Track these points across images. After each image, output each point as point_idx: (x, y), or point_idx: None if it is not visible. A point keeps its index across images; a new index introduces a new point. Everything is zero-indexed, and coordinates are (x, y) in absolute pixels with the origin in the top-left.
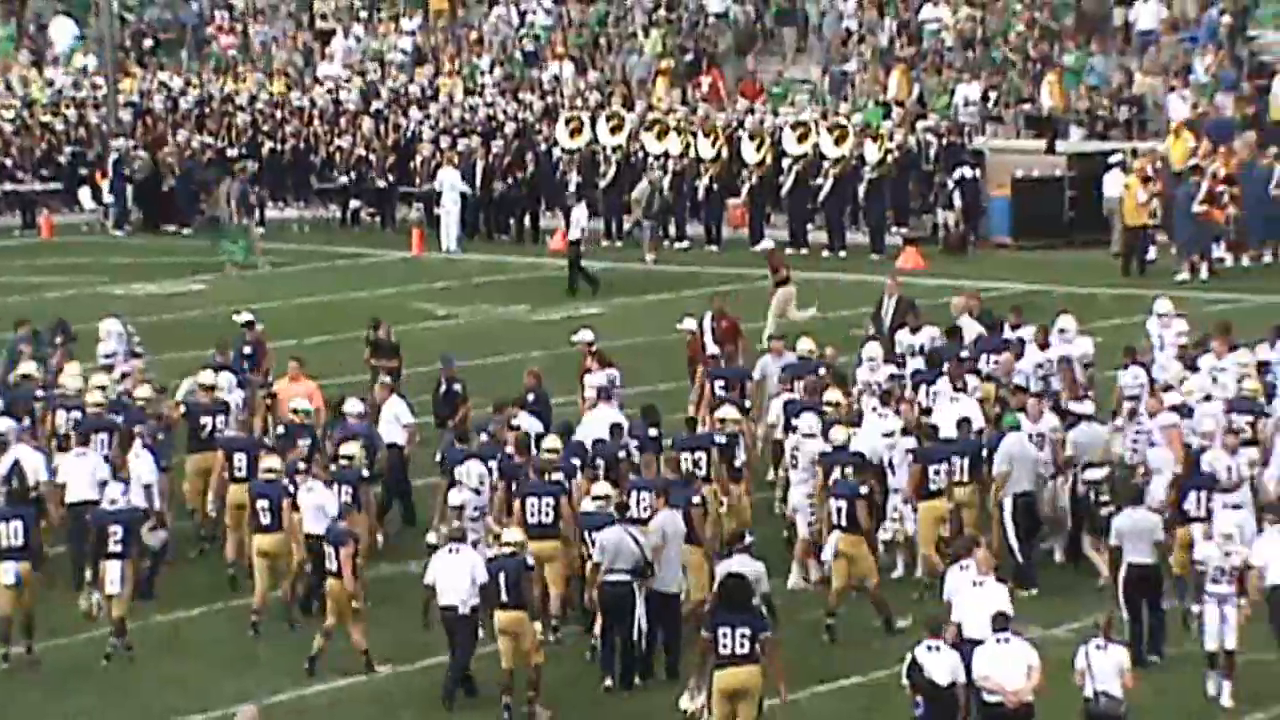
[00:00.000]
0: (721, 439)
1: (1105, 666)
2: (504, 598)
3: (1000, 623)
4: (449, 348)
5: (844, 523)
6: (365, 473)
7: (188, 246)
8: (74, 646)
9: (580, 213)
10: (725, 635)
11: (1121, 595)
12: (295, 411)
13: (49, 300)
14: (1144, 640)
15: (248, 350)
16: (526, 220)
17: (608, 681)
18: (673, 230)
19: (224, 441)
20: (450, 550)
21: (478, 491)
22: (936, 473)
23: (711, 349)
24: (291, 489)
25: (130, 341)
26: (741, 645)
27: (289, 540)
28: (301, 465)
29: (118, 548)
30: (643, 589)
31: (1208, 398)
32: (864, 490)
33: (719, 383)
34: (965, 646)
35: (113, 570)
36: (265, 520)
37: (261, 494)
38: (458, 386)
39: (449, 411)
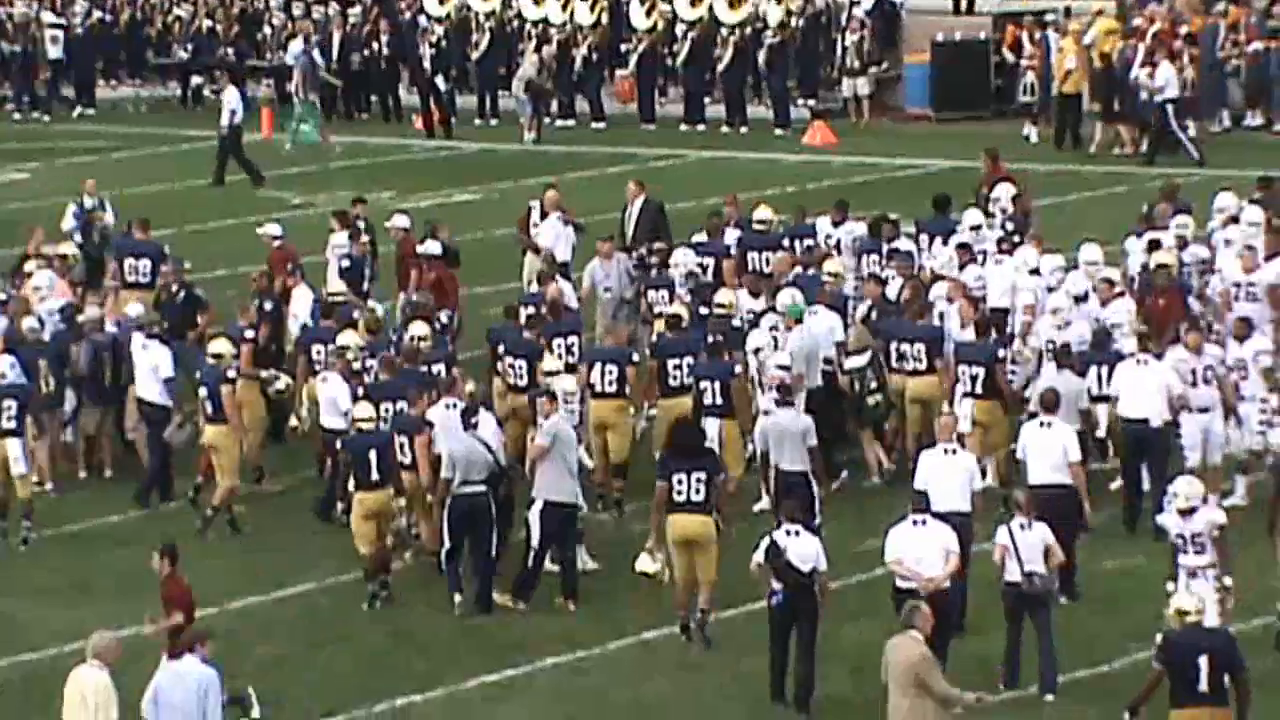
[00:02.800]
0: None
1: (1031, 544)
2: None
3: (918, 503)
4: (305, 239)
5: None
6: None
7: (12, 131)
8: None
9: (231, 94)
10: (680, 482)
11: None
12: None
13: None
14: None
15: None
16: (388, 97)
17: (457, 598)
18: (554, 106)
19: None
20: None
21: None
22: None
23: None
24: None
25: None
26: (696, 491)
27: (390, 497)
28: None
29: (11, 424)
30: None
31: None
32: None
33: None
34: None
35: (13, 448)
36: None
37: (362, 447)
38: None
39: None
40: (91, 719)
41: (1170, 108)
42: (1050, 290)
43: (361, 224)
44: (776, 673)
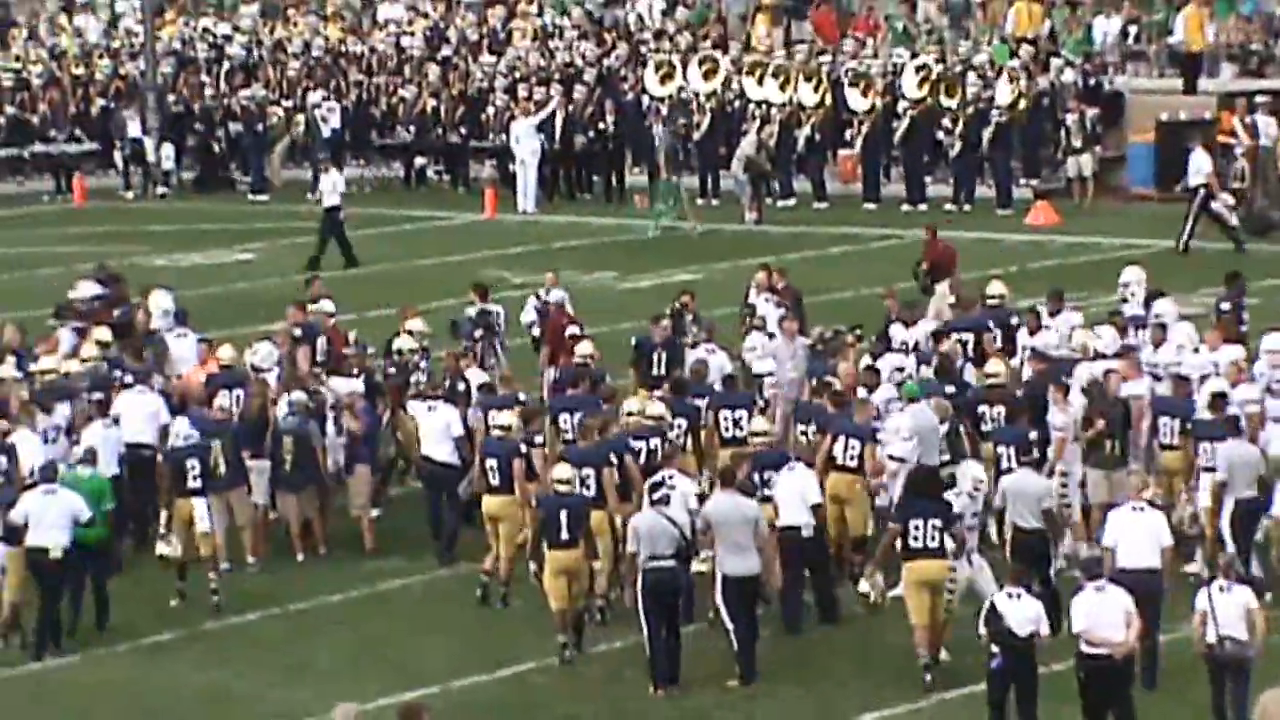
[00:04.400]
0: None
1: (1229, 609)
2: (564, 535)
3: (1094, 569)
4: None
5: None
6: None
7: (235, 212)
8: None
9: (335, 177)
10: (916, 528)
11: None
12: (410, 333)
13: (83, 273)
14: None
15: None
16: (612, 177)
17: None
18: (775, 186)
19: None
20: None
21: None
22: None
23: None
24: (524, 449)
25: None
26: (932, 538)
27: (519, 503)
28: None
29: (196, 483)
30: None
31: None
32: None
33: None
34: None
35: (198, 507)
36: (494, 481)
37: (491, 453)
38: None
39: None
40: None
41: None
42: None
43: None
44: None
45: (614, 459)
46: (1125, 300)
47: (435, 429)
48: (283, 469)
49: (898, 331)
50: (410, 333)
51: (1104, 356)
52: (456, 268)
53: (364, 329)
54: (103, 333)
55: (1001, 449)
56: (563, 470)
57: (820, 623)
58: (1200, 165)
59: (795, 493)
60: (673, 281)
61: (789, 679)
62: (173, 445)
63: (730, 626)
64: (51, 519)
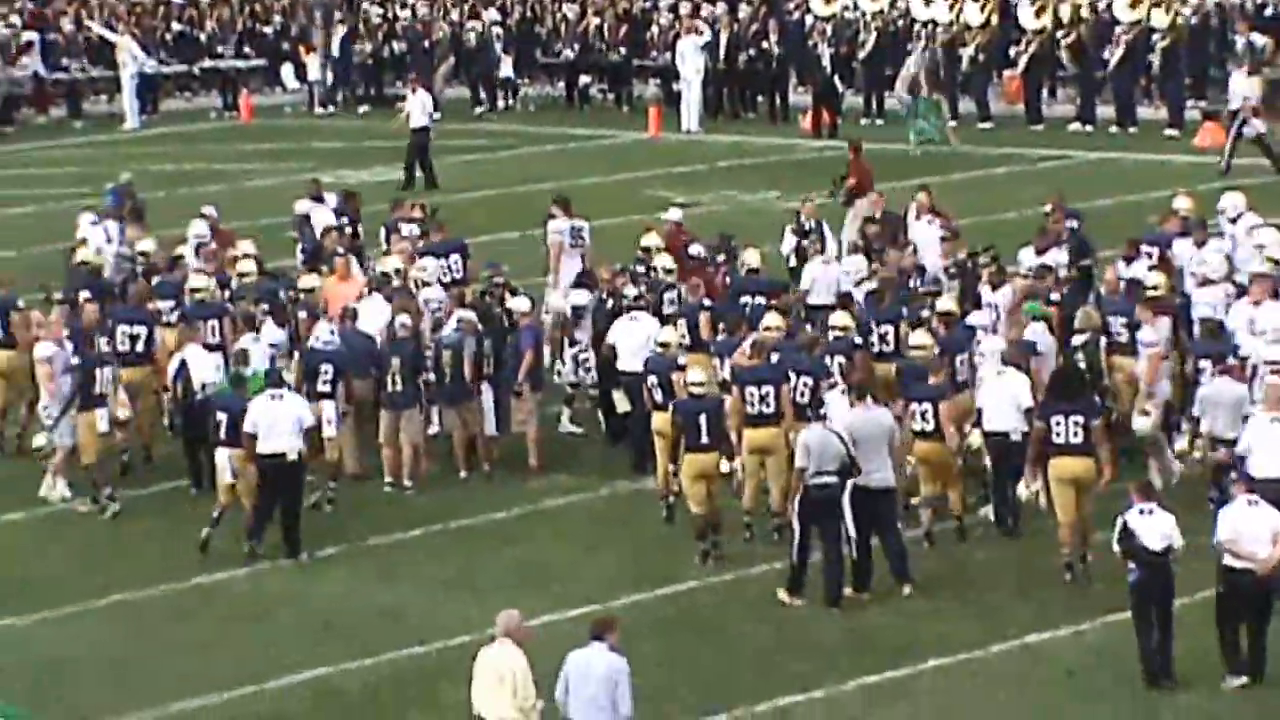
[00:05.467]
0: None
1: None
2: (704, 439)
3: (1247, 483)
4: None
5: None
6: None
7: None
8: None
9: (424, 98)
10: (1059, 425)
11: None
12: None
13: (250, 189)
14: None
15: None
16: (775, 96)
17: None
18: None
19: None
20: None
21: None
22: None
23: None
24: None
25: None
26: (1075, 434)
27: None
28: None
29: (326, 387)
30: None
31: None
32: None
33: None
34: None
35: (327, 410)
36: (703, 439)
37: (693, 411)
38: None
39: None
40: (509, 697)
41: None
42: None
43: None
44: (1146, 652)
45: (791, 376)
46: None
47: (636, 342)
48: (444, 383)
49: (1026, 256)
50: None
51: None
52: (620, 187)
53: (529, 246)
54: (247, 245)
55: (1204, 362)
56: (696, 374)
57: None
58: (1238, 89)
59: (1006, 398)
60: (834, 201)
61: (952, 598)
62: (311, 347)
63: (855, 538)
64: (282, 424)
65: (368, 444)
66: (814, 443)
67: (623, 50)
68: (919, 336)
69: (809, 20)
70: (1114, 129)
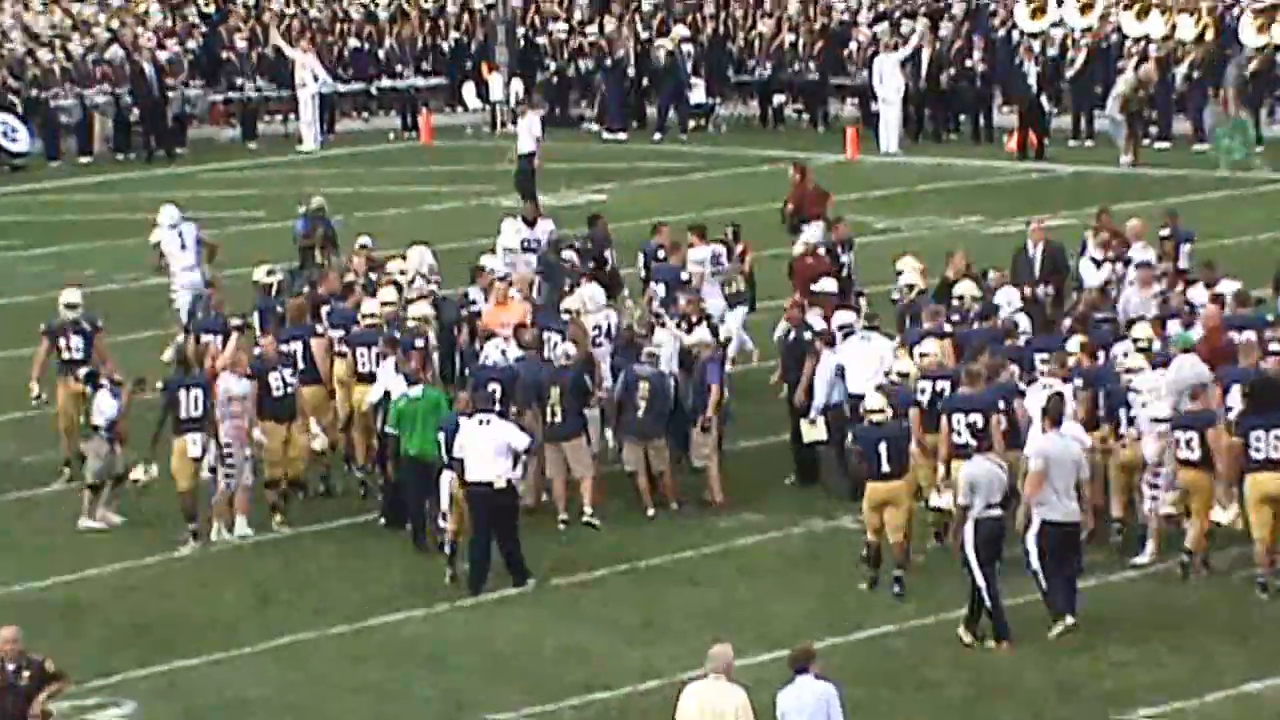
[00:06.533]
0: None
1: None
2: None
3: None
4: (886, 266)
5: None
6: None
7: (584, 150)
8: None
9: (532, 121)
10: (1258, 439)
11: None
12: None
13: (430, 214)
14: None
15: None
16: (979, 116)
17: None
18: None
19: None
20: None
21: None
22: None
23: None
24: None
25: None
26: (1275, 449)
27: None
28: None
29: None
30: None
31: None
32: None
33: None
34: None
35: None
36: (883, 467)
37: (873, 438)
38: None
39: None
40: None
41: None
42: None
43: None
44: None
45: (1002, 404)
46: None
47: (868, 363)
48: (635, 416)
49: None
50: None
51: None
52: None
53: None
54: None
55: None
56: (874, 400)
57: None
58: None
59: None
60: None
61: (1161, 642)
62: (481, 364)
63: (1039, 571)
64: (489, 449)
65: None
66: (980, 476)
67: (819, 68)
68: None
69: (1015, 36)
70: None
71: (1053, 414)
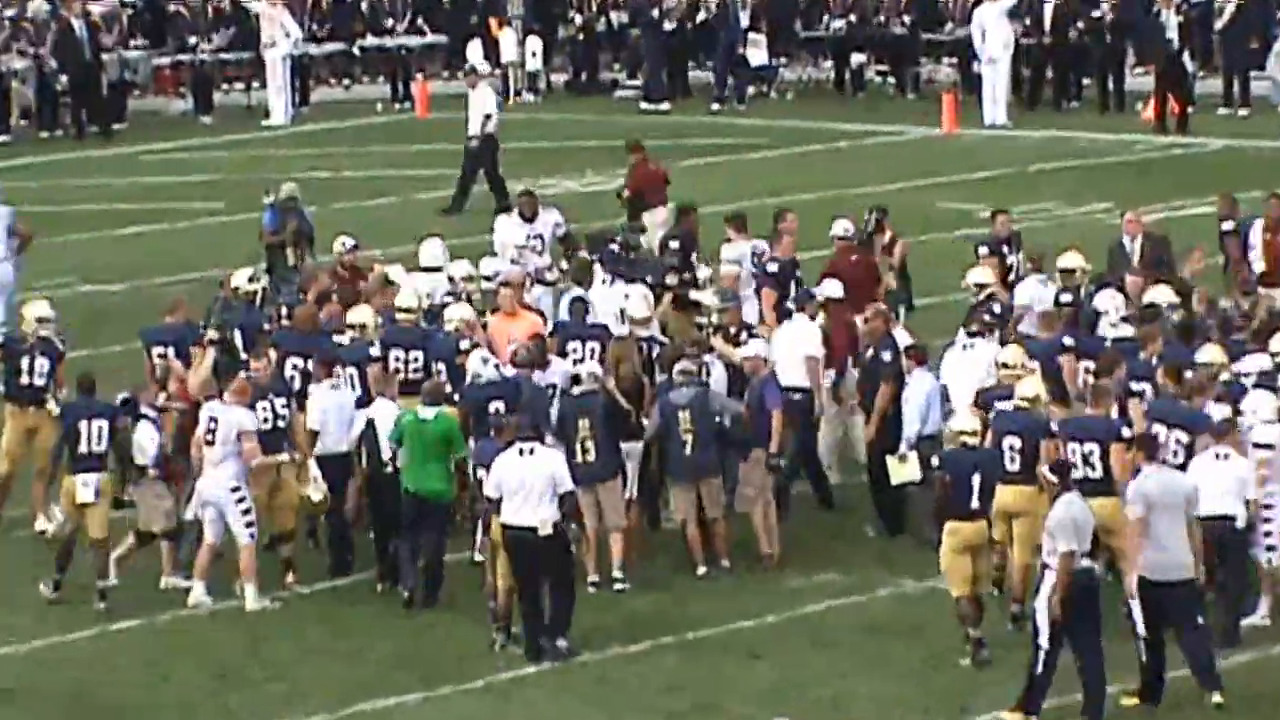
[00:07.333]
0: None
1: None
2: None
3: None
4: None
5: None
6: None
7: (625, 125)
8: None
9: (484, 96)
10: None
11: None
12: None
13: (426, 204)
14: None
15: None
16: (1108, 80)
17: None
18: None
19: None
20: None
21: None
22: None
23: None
24: None
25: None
26: None
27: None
28: None
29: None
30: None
31: None
32: None
33: None
34: None
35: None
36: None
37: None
38: None
39: None
40: None
41: None
42: None
43: None
44: None
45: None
46: None
47: (973, 375)
48: (681, 453)
49: None
50: None
51: None
52: (905, 197)
53: None
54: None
55: None
56: (967, 420)
57: None
58: None
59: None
60: (1181, 215)
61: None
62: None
63: (1144, 636)
64: (534, 487)
65: None
66: (1080, 518)
67: (908, 21)
68: None
69: None
70: None
71: (1150, 447)
